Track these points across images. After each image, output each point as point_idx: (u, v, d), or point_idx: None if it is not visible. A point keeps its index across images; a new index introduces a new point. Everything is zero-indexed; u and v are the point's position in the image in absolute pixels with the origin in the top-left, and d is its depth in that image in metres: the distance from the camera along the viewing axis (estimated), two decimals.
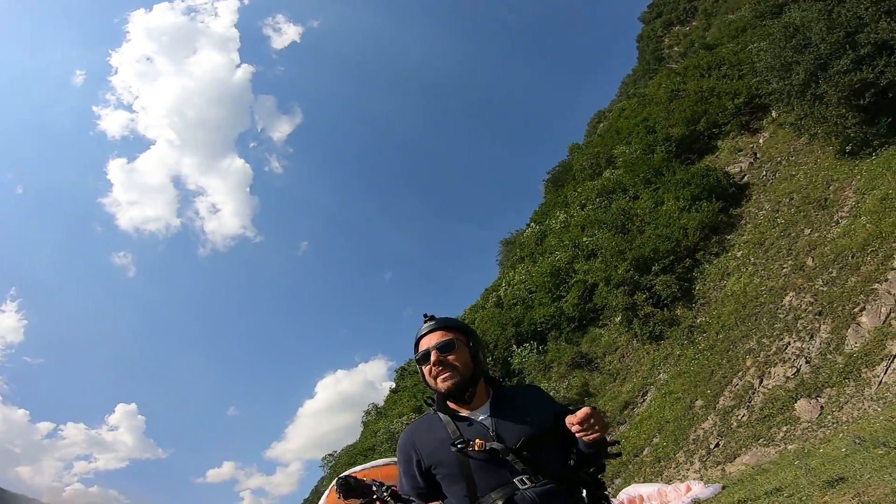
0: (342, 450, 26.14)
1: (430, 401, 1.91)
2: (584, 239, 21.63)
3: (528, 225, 28.54)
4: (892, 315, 8.86)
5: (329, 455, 26.56)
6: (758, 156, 16.48)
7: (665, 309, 15.22)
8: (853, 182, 11.94)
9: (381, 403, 29.77)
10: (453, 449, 1.69)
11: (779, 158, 15.39)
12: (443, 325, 1.89)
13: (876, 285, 9.49)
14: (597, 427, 1.57)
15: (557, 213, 26.50)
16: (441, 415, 1.83)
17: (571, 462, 1.71)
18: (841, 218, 11.61)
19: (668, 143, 20.12)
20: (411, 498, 1.83)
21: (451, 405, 1.84)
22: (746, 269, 13.55)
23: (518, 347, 20.88)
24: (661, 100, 21.72)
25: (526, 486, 1.61)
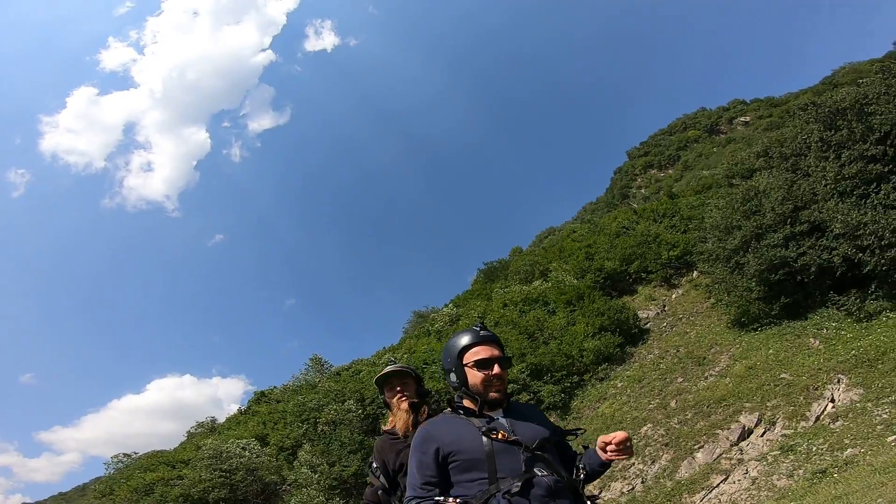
0: (145, 454, 22.28)
1: (452, 403, 2.09)
2: (497, 332, 22.13)
3: (446, 305, 28.90)
4: (724, 456, 9.49)
5: (124, 455, 22.44)
6: (665, 308, 18.23)
7: None
8: (732, 349, 13.35)
9: (220, 421, 26.52)
10: (482, 433, 1.88)
11: (681, 315, 17.09)
12: (497, 340, 2.09)
13: (718, 431, 10.25)
14: (629, 451, 1.88)
15: (478, 303, 27.20)
16: (461, 415, 2.01)
17: (582, 475, 1.93)
18: (710, 375, 12.76)
19: (599, 274, 21.87)
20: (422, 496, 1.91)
21: (471, 407, 2.03)
22: (620, 397, 14.23)
23: None
24: (610, 232, 23.97)
25: (544, 475, 1.79)
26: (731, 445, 9.75)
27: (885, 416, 8.05)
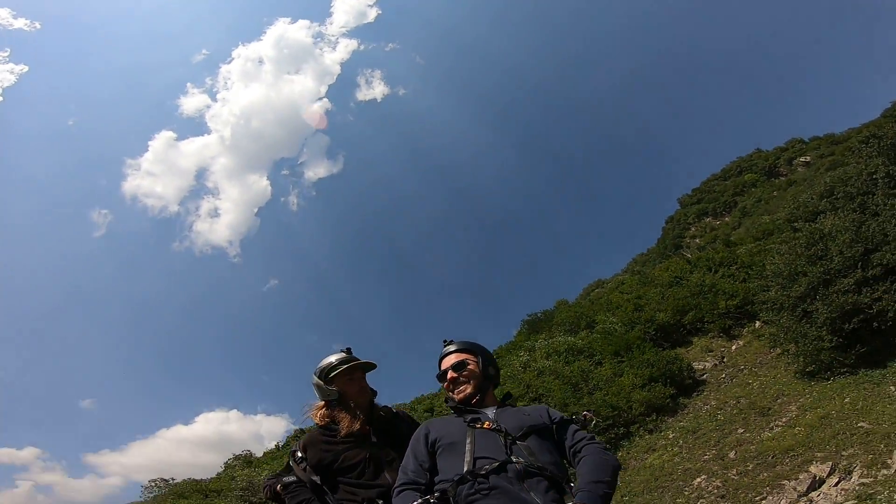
0: (181, 481, 22.49)
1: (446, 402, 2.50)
2: (538, 383, 21.30)
3: None
4: None
5: (162, 480, 22.75)
6: (724, 360, 16.90)
7: None
8: (801, 399, 12.09)
9: (258, 455, 26.56)
10: (467, 423, 2.15)
11: (742, 366, 15.75)
12: (459, 348, 2.50)
13: (784, 482, 9.11)
14: None
15: (521, 354, 26.39)
16: (454, 414, 2.37)
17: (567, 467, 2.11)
18: (776, 426, 11.53)
19: (649, 325, 20.83)
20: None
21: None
22: (671, 448, 13.03)
23: None
24: (662, 283, 23.01)
25: (517, 461, 1.94)
26: (800, 496, 8.59)
27: None
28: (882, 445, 8.74)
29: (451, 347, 2.49)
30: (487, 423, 2.09)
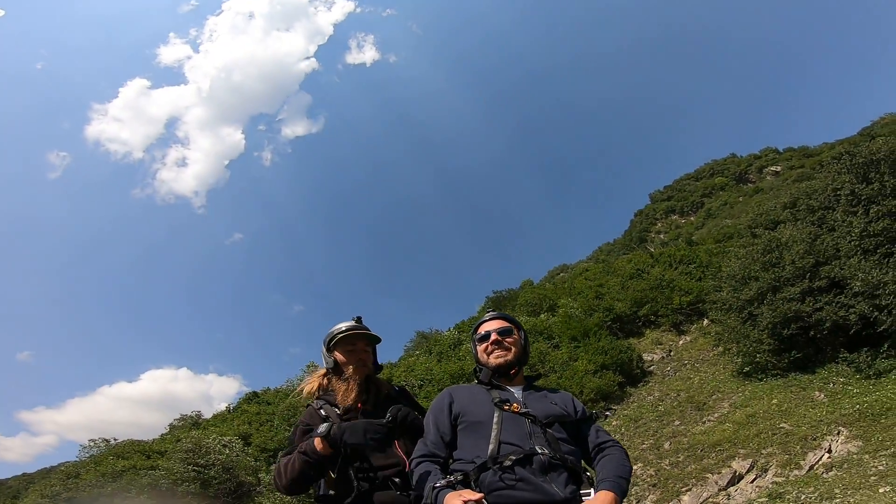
0: (122, 442, 22.30)
1: (476, 373, 2.42)
2: None
3: (450, 329, 28.98)
4: (710, 500, 9.29)
5: (102, 440, 22.48)
6: (671, 353, 18.00)
7: None
8: (734, 397, 13.13)
9: (207, 417, 26.66)
10: (495, 403, 2.09)
11: (686, 361, 16.86)
12: (503, 316, 2.49)
13: (708, 475, 10.04)
14: None
15: None
16: (482, 385, 2.29)
17: (582, 462, 2.10)
18: (708, 420, 12.53)
19: (608, 314, 21.78)
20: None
21: (490, 379, 2.30)
22: (615, 435, 13.96)
23: None
24: (624, 274, 23.97)
25: (542, 453, 1.93)
26: (720, 490, 9.53)
27: (881, 467, 7.87)
28: (798, 447, 9.72)
29: (495, 314, 2.47)
30: (516, 405, 2.05)
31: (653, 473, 11.15)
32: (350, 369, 2.48)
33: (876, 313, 11.84)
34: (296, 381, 25.70)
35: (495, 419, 2.01)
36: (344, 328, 2.54)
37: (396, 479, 2.22)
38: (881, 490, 7.16)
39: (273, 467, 2.45)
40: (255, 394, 26.36)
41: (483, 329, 2.41)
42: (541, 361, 20.69)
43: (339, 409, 2.39)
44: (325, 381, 2.58)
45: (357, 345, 2.53)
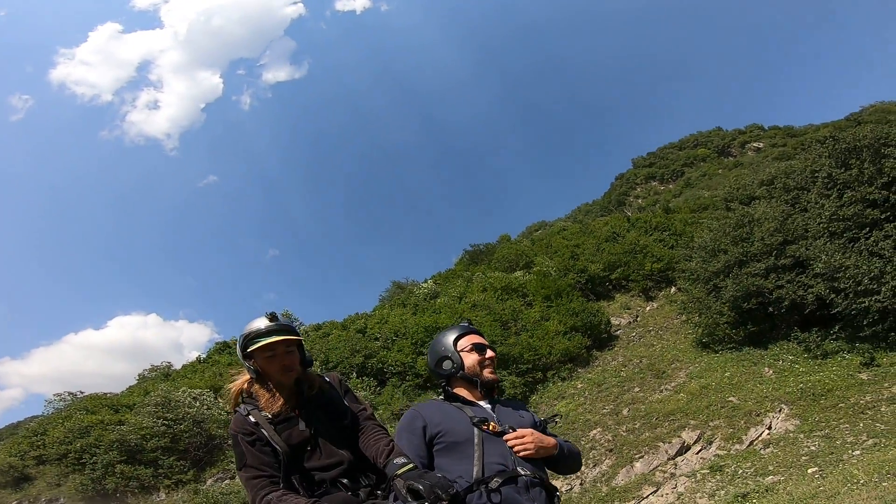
0: (89, 395, 22.43)
1: (441, 390, 2.34)
2: (470, 315, 22.76)
3: (426, 280, 29.38)
4: (659, 468, 10.20)
5: (69, 394, 22.59)
6: (638, 319, 18.89)
7: None
8: (691, 367, 14.04)
9: (177, 367, 26.98)
10: (473, 424, 2.06)
11: (651, 328, 17.76)
12: (482, 335, 2.46)
13: (660, 444, 10.94)
14: (528, 447, 2.04)
15: (459, 283, 27.74)
16: (450, 402, 2.23)
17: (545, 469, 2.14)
18: (665, 389, 13.45)
19: (581, 275, 22.41)
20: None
21: (464, 394, 2.28)
22: (578, 398, 14.92)
23: (357, 377, 20.64)
24: (600, 236, 24.46)
25: (525, 473, 1.96)
26: (668, 459, 10.46)
27: (813, 448, 8.74)
28: (742, 421, 10.62)
29: (475, 329, 2.48)
30: (493, 424, 2.08)
31: (610, 439, 12.07)
32: (276, 378, 2.24)
33: (833, 295, 12.53)
34: None
35: (476, 440, 2.04)
36: (263, 330, 2.24)
37: (344, 480, 2.13)
38: (810, 471, 7.99)
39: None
40: (226, 344, 26.56)
41: (475, 339, 2.39)
42: (514, 319, 21.42)
43: (267, 414, 2.19)
44: (248, 385, 2.32)
45: (277, 349, 2.23)
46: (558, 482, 11.43)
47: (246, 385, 2.32)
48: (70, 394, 22.80)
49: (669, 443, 10.86)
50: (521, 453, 2.02)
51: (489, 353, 2.34)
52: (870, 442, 8.15)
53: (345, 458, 2.17)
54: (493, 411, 2.21)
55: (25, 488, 16.77)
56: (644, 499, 9.43)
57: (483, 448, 2.01)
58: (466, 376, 2.30)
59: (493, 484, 1.90)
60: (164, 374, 25.78)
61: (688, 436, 10.86)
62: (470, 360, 2.33)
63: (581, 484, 11.03)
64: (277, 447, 2.12)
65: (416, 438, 2.10)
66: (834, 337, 12.39)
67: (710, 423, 11.01)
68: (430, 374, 2.56)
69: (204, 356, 26.57)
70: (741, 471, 8.91)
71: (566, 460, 2.20)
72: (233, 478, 15.97)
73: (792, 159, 23.38)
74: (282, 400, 2.21)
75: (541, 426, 2.29)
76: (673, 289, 19.21)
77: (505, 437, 2.05)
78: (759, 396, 11.30)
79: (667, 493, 9.24)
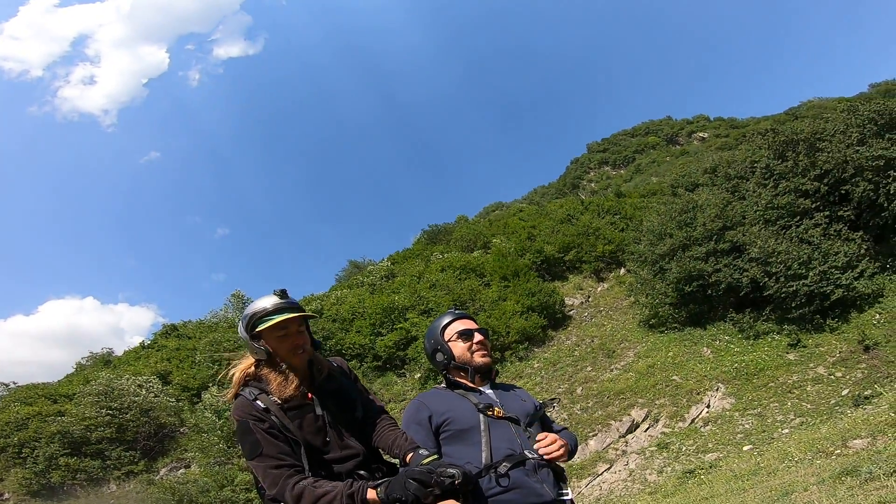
0: (24, 385, 20.99)
1: (443, 377, 2.32)
2: (429, 295, 22.98)
3: (383, 260, 29.24)
4: (612, 446, 10.95)
5: (2, 385, 20.96)
6: (590, 299, 19.79)
7: None
8: (638, 346, 14.96)
9: (118, 353, 25.61)
10: (479, 410, 2.06)
11: (602, 308, 18.68)
12: (473, 318, 2.43)
13: (612, 422, 11.72)
14: (560, 451, 2.04)
15: (417, 263, 27.84)
16: (452, 390, 2.21)
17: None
18: (616, 368, 14.32)
19: (538, 256, 23.06)
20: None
21: (464, 380, 2.25)
22: (535, 378, 15.60)
23: None
24: (555, 218, 25.16)
25: (532, 456, 1.97)
26: (620, 437, 11.25)
27: (747, 426, 9.68)
28: (685, 400, 11.54)
29: (464, 313, 2.45)
30: (498, 410, 2.10)
31: (566, 417, 12.78)
32: (287, 359, 2.12)
33: (766, 279, 13.66)
34: (220, 313, 25.07)
35: (482, 426, 2.07)
36: (270, 308, 2.11)
37: (361, 472, 2.05)
38: (745, 448, 8.87)
39: (254, 466, 2.00)
40: (173, 327, 25.46)
41: (461, 326, 2.36)
42: (472, 299, 21.87)
43: (277, 399, 2.05)
44: (253, 369, 2.17)
45: (289, 328, 2.11)
46: None
47: (251, 370, 2.17)
48: (3, 384, 21.21)
49: (620, 421, 11.66)
50: (553, 455, 2.04)
51: (477, 337, 2.33)
52: (797, 421, 9.14)
53: (360, 450, 2.12)
54: (494, 394, 2.24)
55: None
56: (599, 475, 10.15)
57: (490, 433, 2.05)
58: (459, 365, 2.31)
59: (502, 468, 1.95)
60: (105, 361, 24.45)
61: (637, 414, 11.69)
62: (458, 349, 2.33)
63: None
64: (294, 437, 1.99)
65: (423, 429, 2.12)
66: (765, 318, 13.56)
67: (657, 402, 11.88)
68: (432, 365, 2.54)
69: (148, 341, 25.35)
70: (685, 448, 9.75)
71: (573, 451, 2.30)
72: (188, 466, 15.64)
73: (734, 149, 24.81)
74: (295, 382, 2.10)
75: (540, 409, 2.34)
76: (623, 270, 20.21)
77: (537, 445, 2.06)
78: (699, 375, 12.28)
79: (619, 470, 9.99)
